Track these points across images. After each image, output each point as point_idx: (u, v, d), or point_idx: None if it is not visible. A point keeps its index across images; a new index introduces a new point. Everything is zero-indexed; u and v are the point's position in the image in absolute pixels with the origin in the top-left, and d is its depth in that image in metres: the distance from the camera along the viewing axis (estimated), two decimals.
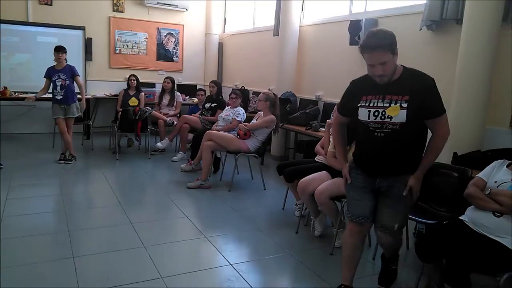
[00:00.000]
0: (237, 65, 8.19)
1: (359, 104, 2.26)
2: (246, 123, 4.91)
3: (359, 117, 2.26)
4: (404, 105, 2.12)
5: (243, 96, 6.27)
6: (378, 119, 2.18)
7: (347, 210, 2.45)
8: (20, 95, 6.76)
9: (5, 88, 6.64)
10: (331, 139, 3.30)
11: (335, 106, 2.46)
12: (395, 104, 2.14)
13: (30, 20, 7.10)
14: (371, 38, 2.09)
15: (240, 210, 4.15)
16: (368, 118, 2.22)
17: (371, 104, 2.21)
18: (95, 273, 2.74)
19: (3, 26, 6.83)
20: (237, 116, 5.21)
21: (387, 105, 2.16)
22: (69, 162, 5.49)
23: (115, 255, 3.01)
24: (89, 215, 3.86)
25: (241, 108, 5.37)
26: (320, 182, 3.31)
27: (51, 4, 7.23)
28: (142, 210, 4.08)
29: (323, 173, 3.43)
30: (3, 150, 5.74)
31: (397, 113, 2.12)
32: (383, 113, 2.16)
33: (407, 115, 2.11)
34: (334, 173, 3.32)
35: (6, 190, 4.23)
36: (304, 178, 3.47)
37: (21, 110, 7.11)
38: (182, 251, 3.20)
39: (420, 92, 2.12)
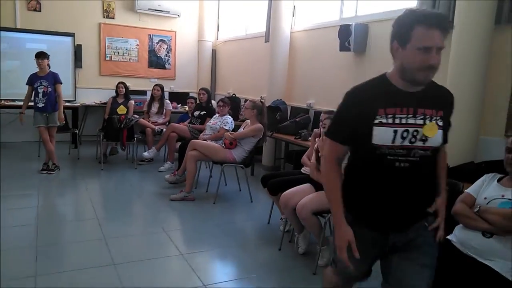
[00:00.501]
0: (231, 72, 8.01)
1: (376, 121, 1.51)
2: (232, 132, 4.73)
3: (373, 142, 1.51)
4: (440, 123, 1.54)
5: (233, 104, 6.10)
6: (407, 142, 1.50)
7: (334, 262, 1.84)
8: (7, 103, 6.62)
9: None
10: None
11: (327, 134, 1.69)
12: (431, 121, 1.52)
13: (19, 26, 6.96)
14: (433, 12, 1.48)
15: (223, 224, 3.94)
16: (393, 142, 1.50)
17: (397, 121, 1.50)
18: None
19: None
20: (224, 125, 5.02)
21: (420, 122, 1.51)
22: (52, 172, 5.31)
23: (80, 273, 2.81)
24: (62, 230, 3.67)
25: (229, 117, 5.18)
26: (303, 195, 3.12)
27: (39, 10, 7.09)
28: (119, 224, 3.86)
29: (307, 185, 3.24)
30: None
31: (435, 134, 1.52)
32: (415, 133, 1.50)
33: (443, 137, 1.56)
34: (318, 186, 3.12)
35: None
36: (286, 191, 3.28)
37: (10, 118, 6.95)
38: (153, 270, 2.98)
39: (449, 109, 1.61)
